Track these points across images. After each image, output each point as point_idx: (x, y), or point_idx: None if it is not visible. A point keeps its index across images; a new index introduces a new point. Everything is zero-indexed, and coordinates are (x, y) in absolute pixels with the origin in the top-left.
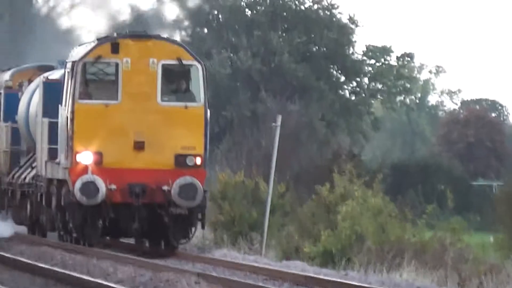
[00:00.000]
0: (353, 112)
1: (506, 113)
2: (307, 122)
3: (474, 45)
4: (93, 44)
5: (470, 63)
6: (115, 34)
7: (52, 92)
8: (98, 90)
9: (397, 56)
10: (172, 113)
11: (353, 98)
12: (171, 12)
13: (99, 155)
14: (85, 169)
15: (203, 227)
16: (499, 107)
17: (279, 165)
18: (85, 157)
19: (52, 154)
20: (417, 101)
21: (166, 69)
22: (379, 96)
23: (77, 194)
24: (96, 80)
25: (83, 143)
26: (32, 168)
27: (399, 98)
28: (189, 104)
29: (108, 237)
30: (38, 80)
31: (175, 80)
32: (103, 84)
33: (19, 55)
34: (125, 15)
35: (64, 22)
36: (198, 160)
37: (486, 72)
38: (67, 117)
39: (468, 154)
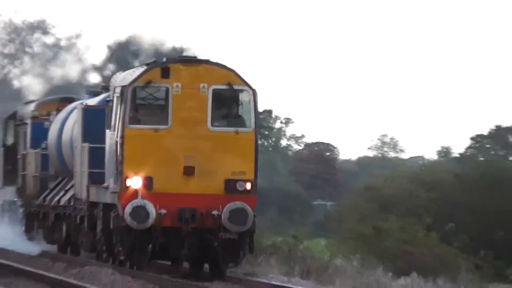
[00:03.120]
0: None
1: (337, 152)
2: None
3: (316, 98)
4: (142, 69)
5: (312, 114)
6: (164, 59)
7: (91, 118)
8: (148, 115)
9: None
10: (223, 138)
11: None
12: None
13: (149, 180)
14: (135, 194)
15: (251, 251)
16: (332, 148)
17: None
18: (135, 182)
19: (94, 178)
20: (272, 143)
21: (216, 94)
22: None
23: (127, 218)
24: (146, 104)
25: (133, 168)
26: (66, 191)
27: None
28: (240, 129)
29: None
30: (70, 109)
31: (226, 105)
32: (153, 109)
33: None
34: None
35: (16, 84)
36: (249, 186)
37: (323, 120)
38: (117, 142)
39: (310, 183)
